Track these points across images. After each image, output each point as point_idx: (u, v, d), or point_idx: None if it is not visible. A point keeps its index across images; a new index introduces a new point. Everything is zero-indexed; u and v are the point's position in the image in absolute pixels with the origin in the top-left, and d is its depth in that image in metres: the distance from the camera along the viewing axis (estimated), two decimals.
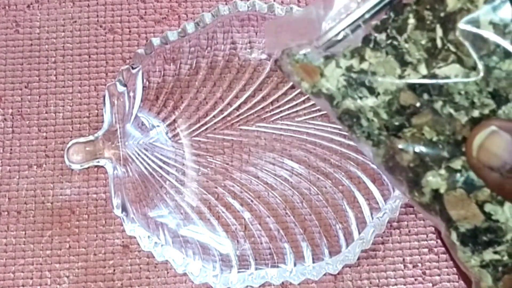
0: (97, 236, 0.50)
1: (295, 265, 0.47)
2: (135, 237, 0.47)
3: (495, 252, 0.28)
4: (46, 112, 0.52)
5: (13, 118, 0.52)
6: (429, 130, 0.27)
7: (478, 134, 0.26)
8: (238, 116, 0.52)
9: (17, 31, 0.54)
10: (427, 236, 0.50)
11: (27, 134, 0.52)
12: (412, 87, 0.27)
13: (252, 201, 0.50)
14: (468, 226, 0.28)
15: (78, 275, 0.49)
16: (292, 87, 0.52)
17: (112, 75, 0.53)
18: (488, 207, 0.27)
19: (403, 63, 0.27)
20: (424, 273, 0.49)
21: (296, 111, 0.51)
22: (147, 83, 0.51)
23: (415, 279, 0.49)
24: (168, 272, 0.49)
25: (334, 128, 0.50)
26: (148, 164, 0.50)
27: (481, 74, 0.27)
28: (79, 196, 0.50)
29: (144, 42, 0.53)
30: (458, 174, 0.27)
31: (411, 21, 0.27)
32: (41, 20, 0.54)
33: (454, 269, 0.49)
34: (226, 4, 0.51)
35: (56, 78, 0.53)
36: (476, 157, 0.26)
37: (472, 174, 0.27)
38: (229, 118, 0.51)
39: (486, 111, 0.27)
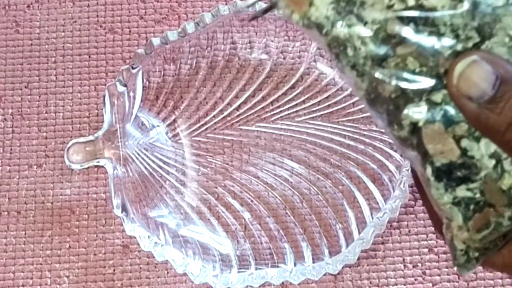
0: (97, 236, 0.50)
1: (295, 265, 0.47)
2: (135, 237, 0.47)
3: (468, 189, 0.28)
4: (46, 112, 0.52)
5: (13, 118, 0.52)
6: (412, 60, 0.28)
7: (460, 62, 0.26)
8: (238, 116, 0.52)
9: (17, 31, 0.54)
10: (427, 236, 0.50)
11: (27, 134, 0.52)
12: (399, 17, 0.28)
13: (252, 201, 0.50)
14: (444, 161, 0.28)
15: (78, 275, 0.49)
16: (292, 87, 0.52)
17: (112, 75, 0.53)
18: (464, 143, 0.27)
19: None
20: (424, 273, 0.49)
21: (296, 111, 0.51)
22: (147, 83, 0.51)
23: (415, 279, 0.49)
24: (168, 272, 0.49)
25: (334, 128, 0.50)
26: (148, 164, 0.50)
27: (467, 7, 0.27)
28: (79, 196, 0.50)
29: (144, 42, 0.53)
30: (438, 108, 0.27)
31: None
32: (41, 20, 0.54)
33: (455, 268, 0.49)
34: (226, 4, 0.51)
35: (56, 78, 0.53)
36: (456, 86, 0.26)
37: (451, 108, 0.27)
38: (229, 118, 0.51)
39: (469, 45, 0.27)
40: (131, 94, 0.49)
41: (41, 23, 0.54)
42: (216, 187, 0.50)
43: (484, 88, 0.26)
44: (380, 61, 0.28)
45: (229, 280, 0.47)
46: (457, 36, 0.27)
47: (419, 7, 0.27)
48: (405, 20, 0.27)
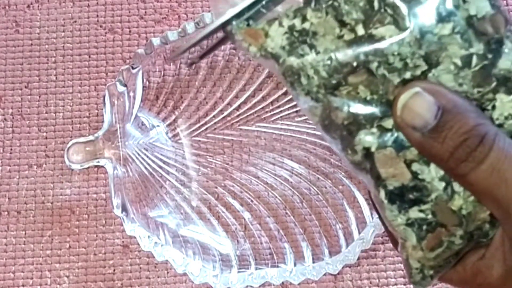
0: (97, 236, 0.50)
1: (295, 265, 0.47)
2: (135, 237, 0.47)
3: (421, 211, 0.29)
4: (46, 112, 0.52)
5: (13, 118, 0.52)
6: (364, 89, 0.28)
7: (403, 94, 0.27)
8: (238, 116, 0.52)
9: (17, 31, 0.54)
10: None
11: (27, 134, 0.52)
12: (350, 46, 0.28)
13: (252, 201, 0.50)
14: (396, 184, 0.29)
15: (78, 275, 0.49)
16: None
17: (112, 75, 0.53)
18: (415, 166, 0.28)
19: (342, 24, 0.28)
20: None
21: (296, 111, 0.51)
22: (147, 83, 0.51)
23: None
24: (168, 272, 0.49)
25: None
26: (148, 164, 0.50)
27: (414, 36, 0.28)
28: (79, 196, 0.50)
29: (144, 42, 0.53)
30: (389, 133, 0.28)
31: None
32: (41, 20, 0.54)
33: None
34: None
35: (56, 78, 0.53)
36: (400, 116, 0.27)
37: (401, 134, 0.28)
38: (229, 118, 0.51)
39: (417, 73, 0.28)
40: (131, 94, 0.49)
41: (41, 23, 0.54)
42: (216, 187, 0.50)
43: (427, 118, 0.27)
44: (332, 89, 0.29)
45: (229, 280, 0.47)
46: (405, 65, 0.28)
47: (369, 37, 0.28)
48: (355, 50, 0.28)
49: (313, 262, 0.47)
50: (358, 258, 0.47)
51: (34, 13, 0.54)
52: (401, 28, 0.28)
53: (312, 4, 0.29)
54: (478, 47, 0.28)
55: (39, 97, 0.53)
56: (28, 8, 0.55)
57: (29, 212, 0.50)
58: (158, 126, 0.51)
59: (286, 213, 0.50)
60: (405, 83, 0.28)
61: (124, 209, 0.46)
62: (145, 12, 0.54)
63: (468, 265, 0.29)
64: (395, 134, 0.28)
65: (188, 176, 0.50)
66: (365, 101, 0.28)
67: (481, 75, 0.28)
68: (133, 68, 0.48)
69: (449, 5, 0.28)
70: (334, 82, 0.29)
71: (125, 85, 0.48)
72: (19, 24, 0.54)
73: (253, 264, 0.48)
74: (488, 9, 0.28)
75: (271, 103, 0.52)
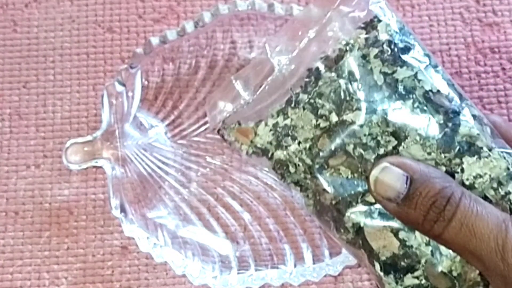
0: (95, 237, 0.49)
1: (295, 266, 0.47)
2: (133, 238, 0.47)
3: (414, 277, 0.31)
4: (44, 112, 0.52)
5: (10, 118, 0.52)
6: (344, 169, 0.32)
7: (373, 170, 0.30)
8: None
9: (15, 30, 0.54)
10: None
11: (25, 134, 0.52)
12: (326, 133, 0.32)
13: (251, 201, 0.50)
14: (388, 254, 0.31)
15: (77, 276, 0.49)
16: None
17: (111, 74, 0.53)
18: (402, 234, 0.31)
19: (318, 115, 0.32)
20: None
21: None
22: (146, 82, 0.50)
23: None
24: (167, 274, 0.49)
25: None
26: (147, 165, 0.50)
27: (381, 116, 0.31)
28: (78, 197, 0.50)
29: (143, 42, 0.53)
30: (373, 207, 0.31)
31: (323, 85, 0.33)
32: (39, 19, 0.54)
33: None
34: (225, 3, 0.51)
35: (54, 77, 0.53)
36: (374, 191, 0.30)
37: None
38: None
39: (389, 148, 0.31)
40: (130, 94, 0.49)
41: (39, 22, 0.54)
42: (216, 188, 0.50)
43: (398, 189, 0.29)
44: (317, 173, 0.32)
45: (228, 281, 0.46)
46: (377, 142, 0.31)
47: (341, 122, 0.32)
48: (332, 135, 0.32)
49: (313, 263, 0.47)
50: None
51: (32, 12, 0.54)
52: (367, 112, 0.31)
53: (292, 104, 0.33)
54: (437, 118, 0.31)
55: (37, 97, 0.52)
56: (26, 7, 0.54)
57: (27, 213, 0.50)
58: (157, 126, 0.51)
59: (286, 214, 0.49)
60: (380, 158, 0.31)
61: (122, 210, 0.46)
62: (144, 11, 0.54)
63: None
64: (379, 207, 0.31)
65: (187, 177, 0.50)
66: (348, 180, 0.32)
67: (445, 142, 0.31)
68: (131, 67, 0.48)
69: (407, 84, 0.31)
70: (317, 166, 0.32)
71: (124, 85, 0.48)
72: (17, 23, 0.54)
73: (253, 266, 0.48)
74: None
75: None
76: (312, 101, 0.33)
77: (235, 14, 0.49)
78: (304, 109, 0.33)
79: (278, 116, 0.34)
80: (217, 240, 0.49)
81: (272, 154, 0.34)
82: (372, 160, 0.31)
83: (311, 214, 0.34)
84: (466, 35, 0.53)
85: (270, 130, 0.34)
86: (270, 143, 0.34)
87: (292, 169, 0.33)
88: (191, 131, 0.51)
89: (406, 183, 0.29)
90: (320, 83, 0.33)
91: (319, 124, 0.32)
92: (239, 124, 0.35)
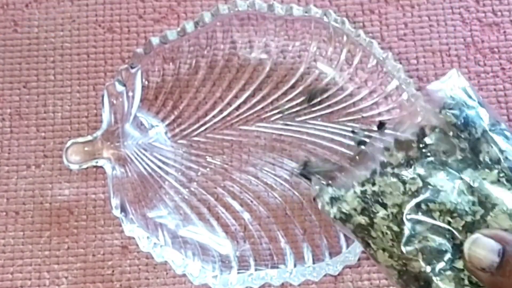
0: (96, 236, 0.49)
1: (295, 266, 0.47)
2: (134, 238, 0.47)
3: None
4: (45, 112, 0.52)
5: (11, 118, 0.52)
6: (432, 236, 0.32)
7: (467, 242, 0.31)
8: (238, 116, 0.51)
9: (15, 31, 0.54)
10: None
11: (25, 134, 0.52)
12: (413, 197, 0.33)
13: (252, 201, 0.50)
14: None
15: (77, 276, 0.49)
16: (292, 87, 0.52)
17: (111, 74, 0.53)
18: None
19: (404, 182, 0.33)
20: None
21: (296, 111, 0.51)
22: (146, 82, 0.50)
23: None
24: (167, 273, 0.49)
25: (334, 128, 0.50)
26: (147, 164, 0.50)
27: (468, 183, 0.32)
28: (78, 197, 0.50)
29: (143, 42, 0.53)
30: (462, 274, 0.32)
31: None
32: (39, 20, 0.54)
33: None
34: (225, 3, 0.51)
35: (54, 77, 0.53)
36: (468, 261, 0.31)
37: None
38: (228, 118, 0.51)
39: (477, 217, 0.32)
40: (130, 94, 0.49)
41: (40, 23, 0.54)
42: (216, 188, 0.50)
43: (491, 258, 0.30)
44: (406, 242, 0.32)
45: (228, 281, 0.47)
46: (464, 211, 0.32)
47: (426, 185, 0.32)
48: (418, 203, 0.32)
49: (313, 263, 0.47)
50: (359, 259, 0.47)
51: (32, 12, 0.54)
52: (454, 177, 0.32)
53: (378, 174, 0.35)
54: None
55: (38, 97, 0.52)
56: (27, 7, 0.54)
57: (28, 213, 0.50)
58: (157, 126, 0.51)
59: (286, 213, 0.49)
60: (467, 226, 0.32)
61: (123, 209, 0.46)
62: (144, 11, 0.54)
63: None
64: (467, 274, 0.31)
65: (187, 177, 0.50)
66: (435, 248, 0.32)
67: None
68: (132, 67, 0.48)
69: (492, 156, 0.32)
70: (406, 234, 0.33)
71: (124, 85, 0.48)
72: (17, 23, 0.54)
73: (253, 265, 0.48)
74: None
75: (271, 103, 0.52)
76: (397, 171, 0.34)
77: (235, 14, 0.50)
78: (392, 176, 0.34)
79: (364, 185, 0.35)
80: (217, 240, 0.49)
81: (354, 219, 0.35)
82: (460, 228, 0.32)
83: (393, 283, 0.35)
84: (465, 35, 0.53)
85: (358, 197, 0.35)
86: (355, 209, 0.35)
87: (378, 235, 0.34)
88: (191, 131, 0.51)
89: (499, 252, 0.30)
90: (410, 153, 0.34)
91: (406, 191, 0.33)
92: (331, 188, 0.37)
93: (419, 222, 0.32)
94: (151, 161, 0.50)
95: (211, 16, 0.49)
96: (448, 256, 0.32)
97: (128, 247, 0.49)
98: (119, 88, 0.48)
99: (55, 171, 0.51)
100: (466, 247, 0.31)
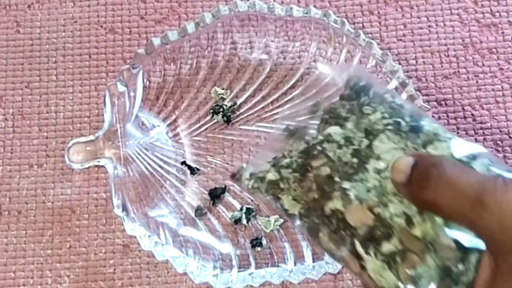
0: (97, 235, 0.50)
1: (295, 264, 0.47)
2: (135, 237, 0.47)
3: (391, 244, 0.32)
4: (47, 112, 0.52)
5: (14, 117, 0.52)
6: (325, 169, 0.36)
7: (391, 162, 0.34)
8: (238, 116, 0.52)
9: (18, 31, 0.54)
10: None
11: (27, 133, 0.52)
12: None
13: (252, 200, 0.50)
14: (365, 228, 0.33)
15: (79, 275, 0.49)
16: (292, 87, 0.52)
17: (113, 75, 0.53)
18: (376, 210, 0.33)
19: (308, 142, 0.38)
20: None
21: (296, 111, 0.51)
22: (148, 83, 0.51)
23: None
24: (168, 272, 0.49)
25: None
26: (149, 164, 0.50)
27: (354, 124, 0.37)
28: (80, 196, 0.50)
29: (145, 42, 0.53)
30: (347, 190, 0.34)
31: None
32: (41, 20, 0.54)
33: None
34: (226, 4, 0.51)
35: (56, 78, 0.53)
36: (392, 178, 0.33)
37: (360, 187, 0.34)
38: None
39: (363, 146, 0.35)
40: (132, 94, 0.49)
41: (42, 23, 0.54)
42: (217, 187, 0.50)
43: (406, 172, 0.32)
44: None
45: (229, 279, 0.47)
46: (352, 143, 0.36)
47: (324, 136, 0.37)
48: (314, 144, 0.37)
49: (313, 262, 0.47)
50: None
51: (34, 13, 0.54)
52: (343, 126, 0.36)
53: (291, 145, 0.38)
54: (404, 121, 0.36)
55: (40, 97, 0.53)
56: (29, 8, 0.55)
57: (30, 212, 0.50)
58: (158, 126, 0.51)
59: None
60: (357, 152, 0.35)
61: (124, 208, 0.46)
62: (146, 12, 0.54)
63: None
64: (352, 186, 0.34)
65: (188, 176, 0.50)
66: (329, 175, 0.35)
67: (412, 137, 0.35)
68: (133, 68, 0.48)
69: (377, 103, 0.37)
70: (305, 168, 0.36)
71: (126, 85, 0.48)
72: (20, 24, 0.54)
73: (253, 264, 0.48)
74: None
75: (271, 103, 0.52)
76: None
77: (235, 15, 0.50)
78: (302, 141, 0.38)
79: (277, 156, 0.38)
80: (218, 239, 0.49)
81: (266, 178, 0.37)
82: (350, 156, 0.35)
83: (308, 232, 0.36)
84: (464, 35, 0.54)
85: (269, 162, 0.38)
86: (267, 171, 0.37)
87: (283, 186, 0.36)
88: (192, 130, 0.51)
89: (412, 167, 0.32)
90: None
91: (310, 143, 0.37)
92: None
93: (314, 158, 0.36)
94: (153, 160, 0.50)
95: (212, 17, 0.49)
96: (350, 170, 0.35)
97: (129, 246, 0.50)
98: (121, 88, 0.48)
99: (57, 170, 0.51)
100: (390, 166, 0.33)
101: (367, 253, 0.33)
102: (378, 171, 0.34)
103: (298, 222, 0.36)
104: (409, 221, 0.33)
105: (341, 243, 0.34)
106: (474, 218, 0.30)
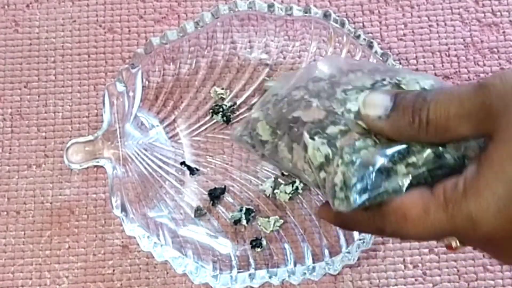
0: (96, 236, 0.50)
1: (295, 265, 0.47)
2: (134, 237, 0.47)
3: (337, 128, 0.33)
4: (46, 112, 0.52)
5: (12, 118, 0.52)
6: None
7: (360, 96, 0.33)
8: (237, 116, 0.52)
9: (16, 31, 0.54)
10: None
11: (26, 134, 0.52)
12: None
13: (252, 201, 0.50)
14: (313, 120, 0.34)
15: (78, 275, 0.49)
16: None
17: (112, 74, 0.53)
18: (329, 109, 0.34)
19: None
20: (424, 273, 0.49)
21: None
22: (147, 82, 0.50)
23: (416, 280, 0.49)
24: (167, 272, 0.49)
25: None
26: (148, 164, 0.50)
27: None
28: (79, 196, 0.50)
29: (144, 42, 0.53)
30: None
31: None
32: (40, 20, 0.54)
33: (455, 269, 0.49)
34: (226, 3, 0.51)
35: (55, 77, 0.53)
36: (364, 114, 0.32)
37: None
38: None
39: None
40: (131, 94, 0.49)
41: (40, 23, 0.54)
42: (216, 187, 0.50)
43: (386, 104, 0.32)
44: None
45: (228, 280, 0.46)
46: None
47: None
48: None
49: (313, 263, 0.47)
50: (358, 259, 0.47)
51: (33, 12, 0.54)
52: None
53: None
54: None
55: (38, 97, 0.53)
56: (27, 7, 0.55)
57: (28, 212, 0.50)
58: (157, 126, 0.51)
59: (286, 213, 0.49)
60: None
61: (123, 209, 0.46)
62: (145, 11, 0.54)
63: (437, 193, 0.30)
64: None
65: (188, 176, 0.50)
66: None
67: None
68: (132, 67, 0.48)
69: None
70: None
71: (125, 85, 0.48)
72: (18, 23, 0.54)
73: (253, 265, 0.48)
74: None
75: None
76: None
77: (235, 14, 0.50)
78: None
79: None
80: (217, 240, 0.49)
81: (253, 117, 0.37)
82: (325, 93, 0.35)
83: (282, 163, 0.36)
84: (465, 35, 0.54)
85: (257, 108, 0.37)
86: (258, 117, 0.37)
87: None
88: (192, 130, 0.51)
89: (391, 99, 0.31)
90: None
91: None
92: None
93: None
94: (152, 160, 0.50)
95: (212, 17, 0.49)
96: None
97: (128, 246, 0.49)
98: (120, 88, 0.48)
99: (56, 170, 0.51)
100: (360, 100, 0.32)
101: (312, 138, 0.33)
102: (345, 92, 0.34)
103: (267, 146, 0.36)
104: (358, 115, 0.33)
105: (294, 144, 0.34)
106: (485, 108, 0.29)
